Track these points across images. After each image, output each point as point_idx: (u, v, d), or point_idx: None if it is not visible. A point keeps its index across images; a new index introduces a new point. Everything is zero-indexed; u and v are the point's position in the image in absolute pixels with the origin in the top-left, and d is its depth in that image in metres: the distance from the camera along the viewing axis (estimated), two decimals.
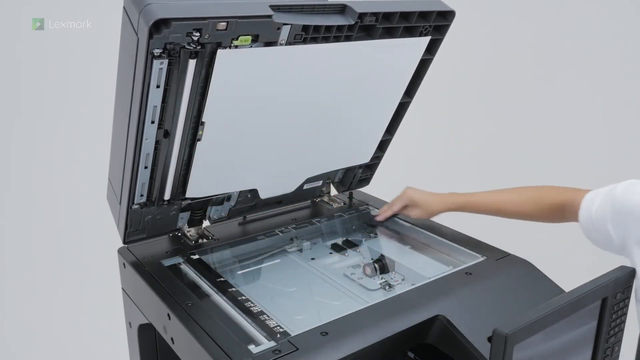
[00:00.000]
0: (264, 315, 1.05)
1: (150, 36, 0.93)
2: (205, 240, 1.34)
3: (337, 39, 1.15)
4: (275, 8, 1.03)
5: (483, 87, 2.69)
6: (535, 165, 2.66)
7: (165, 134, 1.12)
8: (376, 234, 1.49)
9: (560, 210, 1.18)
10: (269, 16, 1.02)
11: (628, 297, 0.96)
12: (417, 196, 1.37)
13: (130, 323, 1.31)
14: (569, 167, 2.58)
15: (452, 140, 2.78)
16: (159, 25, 0.94)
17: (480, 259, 1.24)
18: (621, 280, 0.93)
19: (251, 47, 1.05)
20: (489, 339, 0.82)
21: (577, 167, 2.58)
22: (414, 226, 1.43)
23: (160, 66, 1.00)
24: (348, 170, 1.56)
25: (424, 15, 1.23)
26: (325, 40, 1.13)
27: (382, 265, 1.28)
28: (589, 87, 2.60)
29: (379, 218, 1.45)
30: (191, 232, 1.36)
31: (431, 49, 1.32)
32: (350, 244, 1.42)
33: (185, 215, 1.34)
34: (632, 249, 0.98)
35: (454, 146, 2.78)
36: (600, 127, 2.61)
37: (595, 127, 2.61)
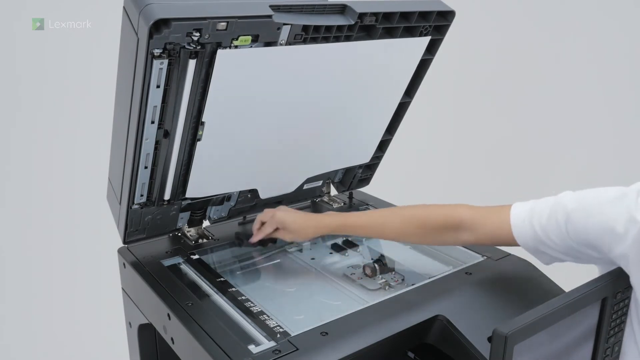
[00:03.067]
0: (264, 315, 1.05)
1: (150, 36, 0.93)
2: (205, 240, 1.34)
3: (337, 39, 1.15)
4: (275, 8, 1.03)
5: (483, 87, 2.70)
6: (535, 165, 2.66)
7: (165, 134, 1.12)
8: None
9: (453, 230, 1.08)
10: (269, 16, 1.02)
11: (628, 297, 0.96)
12: (288, 219, 1.24)
13: (130, 323, 1.31)
14: (569, 167, 2.58)
15: (453, 140, 2.78)
16: (159, 25, 0.94)
17: (480, 259, 1.24)
18: (621, 280, 0.93)
19: (251, 47, 1.05)
20: (489, 339, 0.82)
21: (577, 166, 2.58)
22: None
23: (160, 66, 1.00)
24: (348, 170, 1.56)
25: (424, 15, 1.23)
26: (325, 40, 1.13)
27: (382, 265, 1.28)
28: (590, 86, 2.60)
29: (252, 240, 1.31)
30: (191, 232, 1.36)
31: (431, 49, 1.32)
32: (350, 244, 1.42)
33: (185, 215, 1.34)
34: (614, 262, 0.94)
35: (454, 146, 2.78)
36: (606, 126, 2.60)
37: (599, 126, 2.61)
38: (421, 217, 1.12)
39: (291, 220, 1.24)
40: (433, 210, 1.12)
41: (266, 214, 1.28)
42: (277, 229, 1.26)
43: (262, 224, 1.29)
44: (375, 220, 1.19)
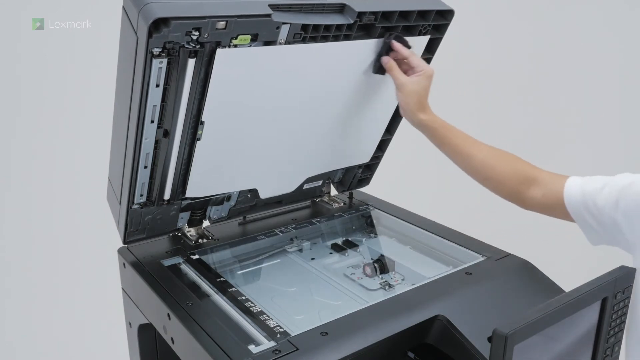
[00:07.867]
0: (264, 315, 1.05)
1: (150, 35, 0.93)
2: (205, 240, 1.34)
3: (336, 38, 1.14)
4: (275, 7, 1.03)
5: (482, 86, 2.69)
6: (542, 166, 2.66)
7: (165, 133, 1.12)
8: (376, 234, 1.49)
9: (529, 183, 1.13)
10: (268, 15, 1.02)
11: (628, 297, 0.96)
12: (410, 85, 1.19)
13: (130, 323, 1.31)
14: (568, 167, 2.58)
15: None
16: (158, 25, 0.94)
17: (480, 259, 1.24)
18: (621, 280, 0.93)
19: (250, 46, 1.05)
20: (489, 339, 0.82)
21: (576, 166, 2.58)
22: (414, 226, 1.43)
23: (159, 65, 1.00)
24: (348, 170, 1.56)
25: (423, 14, 1.23)
26: (325, 39, 1.13)
27: (382, 265, 1.28)
28: (590, 87, 2.60)
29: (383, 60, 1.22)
30: (191, 232, 1.36)
31: (430, 48, 1.32)
32: (350, 244, 1.42)
33: (185, 215, 1.34)
34: None
35: None
36: (603, 126, 2.60)
37: (594, 127, 2.61)
38: (514, 160, 1.17)
39: (416, 89, 1.19)
40: (523, 161, 1.17)
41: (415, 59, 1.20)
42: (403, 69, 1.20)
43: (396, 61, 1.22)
44: (473, 141, 1.21)
